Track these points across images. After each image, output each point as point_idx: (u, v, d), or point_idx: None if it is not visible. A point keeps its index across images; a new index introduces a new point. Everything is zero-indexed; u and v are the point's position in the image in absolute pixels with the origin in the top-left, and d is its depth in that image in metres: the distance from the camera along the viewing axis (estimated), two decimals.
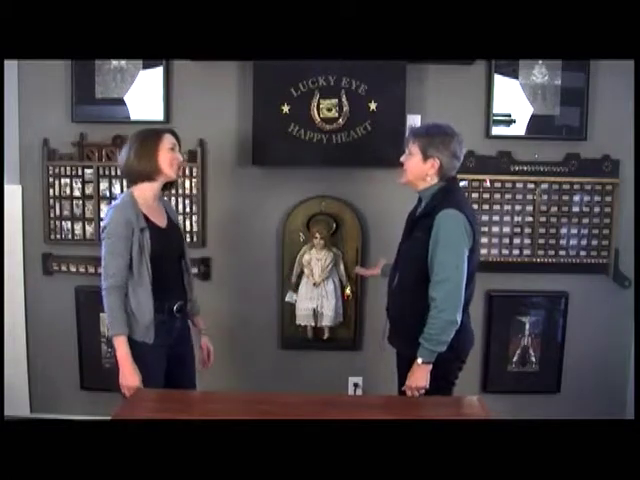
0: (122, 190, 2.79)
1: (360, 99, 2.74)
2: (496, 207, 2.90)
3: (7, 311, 2.88)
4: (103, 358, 2.94)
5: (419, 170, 1.98)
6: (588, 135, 2.86)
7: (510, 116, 2.87)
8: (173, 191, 2.88)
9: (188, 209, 2.91)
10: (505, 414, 2.61)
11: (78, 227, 2.94)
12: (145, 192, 2.05)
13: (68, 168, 2.90)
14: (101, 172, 2.89)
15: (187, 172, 2.88)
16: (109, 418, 1.63)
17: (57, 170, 2.91)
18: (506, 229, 2.91)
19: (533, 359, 2.99)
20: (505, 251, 2.92)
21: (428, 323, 1.89)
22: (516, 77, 2.85)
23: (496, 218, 2.90)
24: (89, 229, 2.91)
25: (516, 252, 2.92)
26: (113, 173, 2.86)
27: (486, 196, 2.89)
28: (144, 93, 2.87)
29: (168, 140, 2.05)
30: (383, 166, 2.74)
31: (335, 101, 2.74)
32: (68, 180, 2.91)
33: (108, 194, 2.87)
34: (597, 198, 2.89)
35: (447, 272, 1.87)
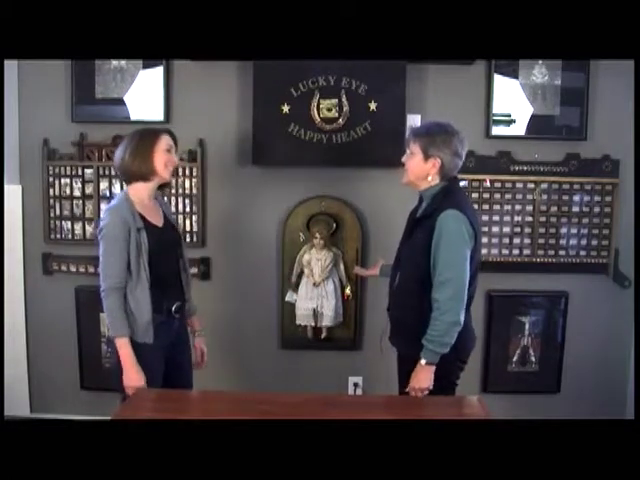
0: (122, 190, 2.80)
1: (360, 99, 2.74)
2: (496, 207, 2.90)
3: (7, 311, 2.88)
4: (103, 358, 2.93)
5: (420, 170, 1.97)
6: (588, 135, 2.86)
7: (510, 116, 2.87)
8: (173, 191, 2.89)
9: (188, 209, 2.91)
10: (505, 414, 2.62)
11: (78, 227, 2.94)
12: (140, 192, 2.05)
13: (68, 168, 2.91)
14: (101, 172, 2.89)
15: (187, 172, 2.89)
16: (109, 418, 1.63)
17: (57, 170, 2.91)
18: (506, 229, 2.91)
19: (533, 359, 2.99)
20: (505, 251, 2.92)
21: (431, 324, 1.89)
22: (516, 77, 2.85)
23: (496, 218, 2.90)
24: (89, 229, 2.91)
25: (516, 252, 2.92)
26: (113, 173, 2.85)
27: (486, 196, 2.89)
28: (144, 93, 2.87)
29: (165, 141, 2.04)
30: (383, 166, 2.74)
31: (335, 101, 2.74)
32: (68, 180, 2.91)
33: (108, 194, 2.87)
34: (597, 198, 2.89)
35: (450, 273, 1.87)
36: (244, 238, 2.95)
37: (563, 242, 2.91)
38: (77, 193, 2.92)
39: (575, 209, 2.90)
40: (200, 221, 2.92)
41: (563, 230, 2.91)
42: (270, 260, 2.95)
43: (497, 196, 2.89)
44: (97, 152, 2.89)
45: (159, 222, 2.09)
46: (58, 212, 2.93)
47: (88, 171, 2.90)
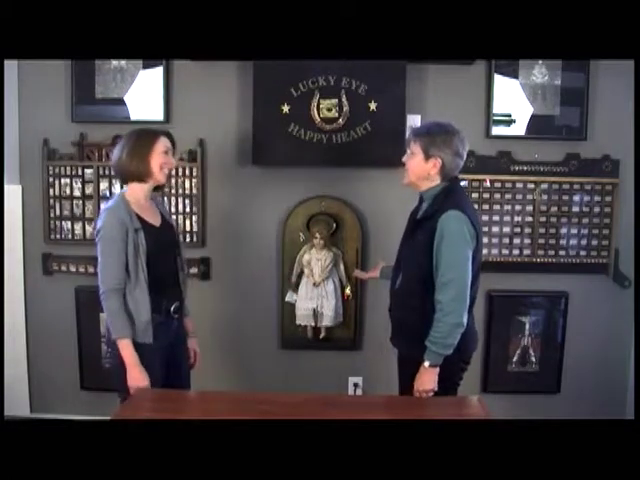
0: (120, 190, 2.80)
1: (360, 99, 2.74)
2: (496, 207, 2.90)
3: (7, 311, 2.88)
4: (103, 358, 2.93)
5: (421, 170, 1.96)
6: (588, 135, 2.86)
7: (510, 116, 2.87)
8: (173, 191, 2.89)
9: (188, 209, 2.91)
10: (505, 414, 2.62)
11: (78, 227, 2.94)
12: (136, 192, 2.04)
13: (68, 168, 2.91)
14: (101, 172, 2.89)
15: (187, 172, 2.89)
16: (109, 418, 1.63)
17: (57, 170, 2.91)
18: (506, 229, 2.91)
19: (533, 359, 2.99)
20: (505, 251, 2.92)
21: (434, 326, 1.88)
22: (516, 77, 2.85)
23: (496, 218, 2.90)
24: (89, 229, 2.91)
25: (516, 252, 2.92)
26: (113, 173, 2.85)
27: (486, 196, 2.89)
28: (144, 93, 2.87)
29: (162, 143, 2.04)
30: (383, 166, 2.74)
31: (335, 101, 2.74)
32: (68, 180, 2.91)
33: (108, 194, 2.87)
34: (597, 198, 2.89)
35: (452, 274, 1.86)
36: (244, 238, 2.95)
37: (563, 242, 2.91)
38: (77, 193, 2.92)
39: (575, 209, 2.90)
40: (200, 221, 2.92)
41: (563, 230, 2.91)
42: (270, 260, 2.95)
43: (497, 196, 2.89)
44: (97, 152, 2.89)
45: (156, 222, 2.09)
46: (58, 212, 2.93)
47: (88, 171, 2.90)
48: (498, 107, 2.85)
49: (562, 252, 2.92)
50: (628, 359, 2.99)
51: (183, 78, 2.87)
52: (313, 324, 2.89)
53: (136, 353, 1.95)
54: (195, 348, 2.29)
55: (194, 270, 2.93)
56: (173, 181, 2.87)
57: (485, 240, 2.84)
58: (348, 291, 2.91)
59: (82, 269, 2.94)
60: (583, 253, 2.92)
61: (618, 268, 2.92)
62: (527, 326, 2.97)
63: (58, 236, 2.95)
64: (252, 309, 2.98)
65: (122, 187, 2.09)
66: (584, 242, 2.92)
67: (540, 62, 2.83)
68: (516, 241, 2.92)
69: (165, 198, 2.86)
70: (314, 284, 2.85)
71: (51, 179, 2.91)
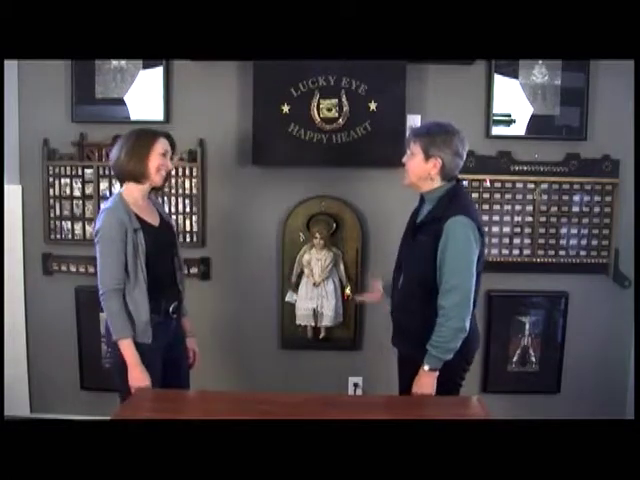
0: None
1: (360, 99, 2.74)
2: (496, 207, 2.90)
3: (7, 311, 2.88)
4: (103, 358, 2.93)
5: (421, 170, 1.95)
6: (588, 135, 2.86)
7: (510, 116, 2.87)
8: (173, 191, 2.89)
9: (188, 209, 2.91)
10: (505, 414, 2.62)
11: (78, 227, 2.94)
12: (134, 192, 2.04)
13: (68, 168, 2.91)
14: (101, 172, 2.89)
15: (187, 172, 2.89)
16: (109, 418, 1.63)
17: (57, 170, 2.91)
18: (506, 229, 2.91)
19: (533, 359, 2.99)
20: (505, 251, 2.92)
21: (436, 330, 1.86)
22: (516, 77, 2.85)
23: (496, 218, 2.90)
24: (89, 229, 2.91)
25: (516, 252, 2.92)
26: (113, 174, 2.85)
27: (486, 196, 2.89)
28: (144, 93, 2.87)
29: (161, 145, 2.03)
30: (383, 166, 2.74)
31: (335, 101, 2.74)
32: (68, 180, 2.91)
33: (108, 194, 2.87)
34: (597, 198, 2.89)
35: (457, 280, 1.85)
36: (244, 238, 2.95)
37: (563, 242, 2.91)
38: (77, 193, 2.92)
39: (575, 209, 2.90)
40: (200, 221, 2.92)
41: (563, 230, 2.91)
42: (270, 260, 2.95)
43: (497, 196, 2.89)
44: (97, 152, 2.89)
45: (155, 222, 2.09)
46: (58, 212, 2.93)
47: (88, 171, 2.90)
48: (498, 107, 2.85)
49: (562, 252, 2.92)
50: (628, 359, 2.99)
51: (183, 78, 2.87)
52: (313, 324, 2.89)
53: (137, 353, 1.95)
54: (194, 348, 2.29)
55: (194, 270, 2.93)
56: (173, 181, 2.87)
57: (485, 240, 2.84)
58: (348, 291, 2.91)
59: (82, 269, 2.94)
60: (583, 253, 2.92)
61: (618, 268, 2.92)
62: (527, 326, 2.97)
63: (58, 236, 2.95)
64: (252, 309, 2.98)
65: (121, 186, 2.08)
66: (584, 242, 2.92)
67: (540, 62, 2.83)
68: (516, 241, 2.92)
69: (165, 198, 2.86)
70: (314, 284, 2.85)
71: (51, 179, 2.91)
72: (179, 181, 2.88)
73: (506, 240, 2.92)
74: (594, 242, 2.92)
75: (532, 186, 2.88)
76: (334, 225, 2.86)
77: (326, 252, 2.84)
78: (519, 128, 2.87)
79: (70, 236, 2.95)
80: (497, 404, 2.69)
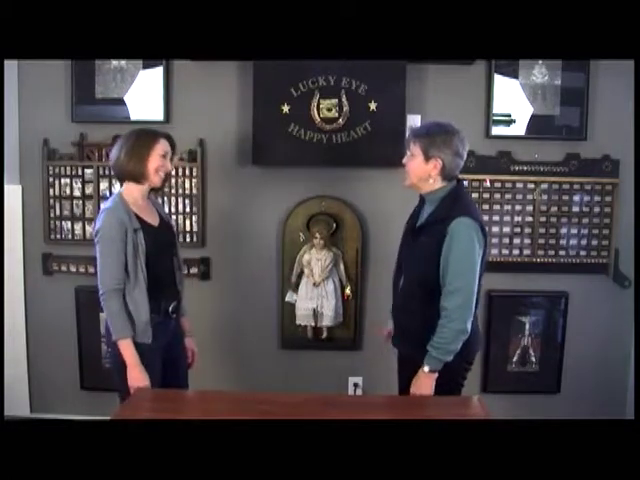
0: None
1: (360, 99, 2.74)
2: (496, 207, 2.90)
3: (7, 311, 2.88)
4: (103, 358, 2.93)
5: (422, 171, 1.94)
6: (588, 135, 2.86)
7: (510, 116, 2.87)
8: (173, 191, 2.89)
9: (188, 209, 2.91)
10: (505, 414, 2.62)
11: (78, 227, 2.94)
12: (133, 192, 2.04)
13: (68, 168, 2.91)
14: (101, 172, 2.90)
15: (187, 172, 2.89)
16: (109, 418, 1.63)
17: (57, 170, 2.91)
18: (506, 229, 2.91)
19: (533, 359, 2.99)
20: (505, 251, 2.92)
21: (438, 332, 1.86)
22: (516, 77, 2.85)
23: (496, 218, 2.90)
24: (89, 229, 2.91)
25: (516, 252, 2.92)
26: (112, 173, 2.85)
27: (486, 196, 2.89)
28: (144, 93, 2.87)
29: (161, 146, 2.03)
30: (383, 166, 2.74)
31: (335, 101, 2.74)
32: (68, 180, 2.91)
33: (108, 194, 2.86)
34: (597, 198, 2.89)
35: (460, 282, 1.84)
36: (244, 238, 2.95)
37: (563, 242, 2.91)
38: (77, 193, 2.92)
39: (575, 209, 2.90)
40: (200, 221, 2.92)
41: (563, 230, 2.91)
42: (270, 260, 2.95)
43: (497, 196, 2.89)
44: (97, 152, 2.89)
45: (155, 222, 2.09)
46: (58, 212, 2.94)
47: (88, 171, 2.90)
48: (498, 107, 2.85)
49: (562, 252, 2.92)
50: (628, 359, 2.99)
51: (183, 78, 2.87)
52: (313, 324, 2.89)
53: (137, 353, 1.95)
54: (192, 347, 2.29)
55: (194, 270, 2.93)
56: (173, 181, 2.87)
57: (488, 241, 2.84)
58: (348, 291, 2.91)
59: (82, 269, 2.94)
60: (583, 253, 2.92)
61: (618, 268, 2.92)
62: (527, 326, 2.97)
63: (58, 236, 2.95)
64: (252, 309, 2.98)
65: (121, 186, 2.08)
66: (584, 242, 2.92)
67: (540, 62, 2.83)
68: (516, 241, 2.92)
69: (165, 198, 2.86)
70: (314, 284, 2.85)
71: (51, 179, 2.91)
72: (179, 181, 2.88)
73: (506, 240, 2.92)
74: (594, 242, 2.92)
75: (532, 186, 2.88)
76: (334, 225, 2.86)
77: (326, 252, 2.84)
78: (519, 128, 2.87)
79: (70, 236, 2.95)
80: (497, 404, 2.69)
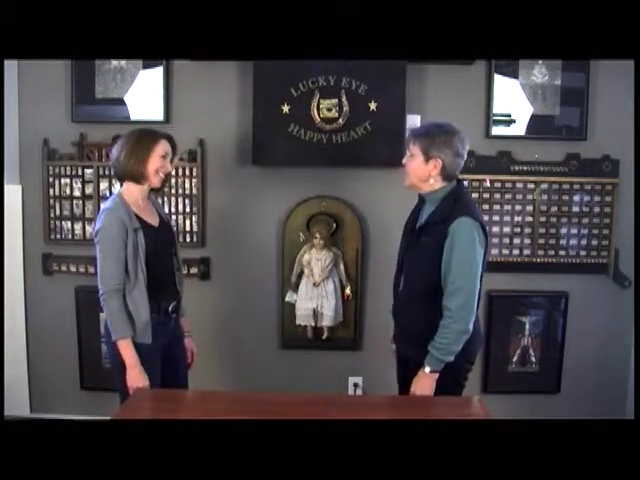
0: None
1: (360, 99, 2.73)
2: (496, 207, 2.90)
3: (7, 311, 2.88)
4: (103, 358, 2.93)
5: (422, 171, 1.93)
6: (588, 135, 2.86)
7: (510, 116, 2.87)
8: (173, 191, 2.89)
9: (188, 209, 2.91)
10: (505, 414, 2.62)
11: (78, 227, 2.94)
12: (133, 192, 2.04)
13: (68, 168, 2.91)
14: (101, 172, 2.90)
15: (187, 172, 2.89)
16: (109, 418, 1.63)
17: (57, 170, 2.91)
18: (506, 229, 2.91)
19: (533, 359, 2.99)
20: (505, 251, 2.92)
21: (440, 332, 1.85)
22: (516, 77, 2.85)
23: (496, 218, 2.90)
24: (89, 229, 2.91)
25: (516, 252, 2.92)
26: (112, 173, 2.85)
27: (486, 196, 2.89)
28: (144, 93, 2.87)
29: (162, 146, 2.03)
30: (383, 166, 2.74)
31: (335, 101, 2.74)
32: (68, 180, 2.91)
33: (108, 194, 2.86)
34: (597, 198, 2.89)
35: (462, 282, 1.84)
36: (244, 238, 2.95)
37: (563, 242, 2.91)
38: (77, 193, 2.92)
39: (575, 209, 2.90)
40: (200, 221, 2.92)
41: (563, 230, 2.91)
42: (270, 260, 2.95)
43: (497, 196, 2.89)
44: (97, 152, 2.89)
45: (155, 222, 2.09)
46: (58, 212, 2.93)
47: (88, 171, 2.90)
48: (498, 107, 2.85)
49: (562, 252, 2.92)
50: (628, 359, 2.99)
51: (183, 78, 2.87)
52: (313, 324, 2.89)
53: (136, 353, 1.95)
54: (192, 347, 2.29)
55: (194, 270, 2.93)
56: (173, 181, 2.87)
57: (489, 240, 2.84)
58: (348, 291, 2.91)
59: (82, 269, 2.94)
60: (583, 253, 2.92)
61: (618, 268, 2.92)
62: (527, 326, 2.97)
63: (58, 236, 2.95)
64: (252, 309, 2.98)
65: (121, 186, 2.08)
66: (584, 242, 2.92)
67: (540, 62, 2.83)
68: (516, 241, 2.92)
69: (165, 198, 2.86)
70: (314, 284, 2.85)
71: (51, 179, 2.91)
72: (179, 181, 2.89)
73: (506, 240, 2.92)
74: (594, 242, 2.92)
75: (532, 186, 2.88)
76: (334, 225, 2.86)
77: (326, 252, 2.84)
78: (519, 128, 2.87)
79: (70, 236, 2.95)
80: (497, 404, 2.68)
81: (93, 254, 2.04)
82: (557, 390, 3.01)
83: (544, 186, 2.88)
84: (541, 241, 2.92)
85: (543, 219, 2.90)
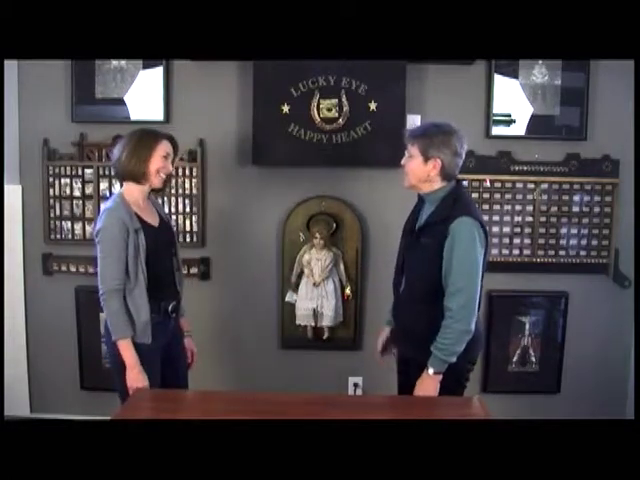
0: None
1: (360, 99, 2.74)
2: (496, 207, 2.90)
3: (7, 311, 2.88)
4: (103, 358, 2.93)
5: (421, 172, 1.93)
6: (588, 135, 2.86)
7: (510, 116, 2.87)
8: (173, 191, 2.89)
9: (188, 209, 2.91)
10: (505, 414, 2.62)
11: (78, 227, 2.94)
12: (134, 193, 2.04)
13: (68, 168, 2.91)
14: (101, 172, 2.90)
15: (187, 172, 2.89)
16: (109, 418, 1.63)
17: (57, 170, 2.91)
18: (506, 229, 2.91)
19: (533, 359, 2.99)
20: (505, 251, 2.92)
21: (442, 333, 1.84)
22: (516, 77, 2.85)
23: (496, 218, 2.90)
24: (89, 229, 2.91)
25: (516, 252, 2.92)
26: (113, 173, 2.85)
27: (486, 196, 2.89)
28: (144, 93, 2.87)
29: (163, 147, 2.03)
30: (383, 166, 2.74)
31: (335, 101, 2.74)
32: (68, 180, 2.91)
33: (108, 194, 2.87)
34: (597, 198, 2.89)
35: (463, 282, 1.83)
36: (244, 238, 2.95)
37: (563, 242, 2.91)
38: (77, 193, 2.92)
39: (575, 209, 2.90)
40: (200, 221, 2.92)
41: (563, 230, 2.91)
42: (270, 260, 2.95)
43: (497, 196, 2.89)
44: (97, 152, 2.89)
45: (155, 222, 2.09)
46: (58, 212, 2.94)
47: (88, 171, 2.90)
48: (498, 107, 2.85)
49: (562, 252, 2.92)
50: (628, 359, 2.99)
51: (183, 78, 2.87)
52: (313, 324, 2.89)
53: (136, 354, 1.95)
54: (192, 347, 2.29)
55: (194, 270, 2.93)
56: (173, 181, 2.87)
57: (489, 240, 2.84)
58: (348, 291, 2.91)
59: (82, 269, 2.94)
60: (583, 253, 2.92)
61: (618, 268, 2.92)
62: (527, 326, 2.97)
63: (58, 236, 2.95)
64: (252, 309, 2.98)
65: (121, 186, 2.08)
66: (584, 242, 2.92)
67: (540, 62, 2.83)
68: (516, 241, 2.92)
69: (165, 198, 2.86)
70: (314, 284, 2.85)
71: (51, 179, 2.91)
72: (179, 181, 2.89)
73: (506, 240, 2.92)
74: (594, 242, 2.92)
75: (532, 186, 2.88)
76: (334, 225, 2.86)
77: (326, 252, 2.84)
78: (519, 128, 2.87)
79: (70, 236, 2.95)
80: (497, 404, 2.68)
81: (93, 254, 2.04)
82: (557, 390, 3.01)
83: (544, 186, 2.88)
84: (541, 241, 2.92)
85: (543, 219, 2.90)
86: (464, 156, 1.97)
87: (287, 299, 2.93)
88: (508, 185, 2.89)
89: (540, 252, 2.92)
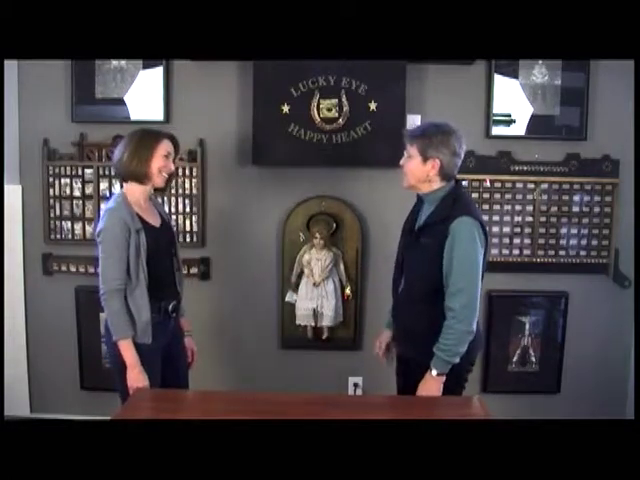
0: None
1: (360, 99, 2.74)
2: (496, 207, 2.90)
3: (7, 311, 2.88)
4: (103, 358, 2.93)
5: (420, 172, 1.92)
6: (588, 135, 2.86)
7: (510, 116, 2.87)
8: (173, 191, 2.89)
9: (188, 209, 2.91)
10: (505, 414, 2.62)
11: (78, 227, 2.94)
12: (135, 193, 2.04)
13: (68, 168, 2.91)
14: (101, 172, 2.90)
15: (187, 172, 2.89)
16: (109, 418, 1.63)
17: (57, 170, 2.91)
18: (506, 229, 2.91)
19: (533, 359, 2.99)
20: (505, 251, 2.92)
21: (444, 333, 1.84)
22: (516, 77, 2.85)
23: (496, 218, 2.90)
24: (89, 229, 2.91)
25: (516, 252, 2.92)
26: (113, 173, 2.85)
27: (486, 196, 2.89)
28: (144, 93, 2.87)
29: (165, 146, 2.03)
30: (383, 166, 2.74)
31: (335, 101, 2.74)
32: (68, 180, 2.91)
33: (108, 194, 2.87)
34: (597, 198, 2.89)
35: (464, 282, 1.83)
36: (244, 238, 2.95)
37: (563, 242, 2.91)
38: (77, 193, 2.92)
39: (575, 209, 2.90)
40: (200, 221, 2.92)
41: (563, 230, 2.91)
42: (270, 260, 2.95)
43: (497, 196, 2.89)
44: (97, 152, 2.89)
45: (156, 222, 2.09)
46: (58, 212, 2.93)
47: (88, 171, 2.90)
48: (498, 107, 2.85)
49: (562, 252, 2.92)
50: (628, 359, 2.99)
51: (183, 78, 2.87)
52: (313, 324, 2.89)
53: (137, 354, 1.95)
54: (192, 347, 2.29)
55: (194, 270, 2.93)
56: (173, 181, 2.86)
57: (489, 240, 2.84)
58: (348, 291, 2.91)
59: (82, 269, 2.94)
60: (583, 253, 2.92)
61: (618, 268, 2.92)
62: (527, 326, 2.97)
63: (58, 236, 2.95)
64: (252, 309, 2.98)
65: (122, 186, 2.08)
66: (584, 242, 2.92)
67: (540, 62, 2.83)
68: (516, 241, 2.92)
69: (165, 198, 2.86)
70: (314, 284, 2.85)
71: (51, 179, 2.91)
72: (179, 181, 2.88)
73: (506, 240, 2.92)
74: (594, 242, 2.92)
75: (532, 186, 2.88)
76: (334, 225, 2.86)
77: (326, 252, 2.84)
78: (519, 128, 2.87)
79: (70, 236, 2.95)
80: (497, 404, 2.68)
81: (93, 254, 2.04)
82: (557, 390, 3.01)
83: (544, 186, 2.88)
84: (541, 241, 2.92)
85: (543, 219, 2.90)
86: (463, 156, 1.96)
87: (287, 299, 2.93)
88: (508, 185, 2.89)
89: (540, 252, 2.92)
